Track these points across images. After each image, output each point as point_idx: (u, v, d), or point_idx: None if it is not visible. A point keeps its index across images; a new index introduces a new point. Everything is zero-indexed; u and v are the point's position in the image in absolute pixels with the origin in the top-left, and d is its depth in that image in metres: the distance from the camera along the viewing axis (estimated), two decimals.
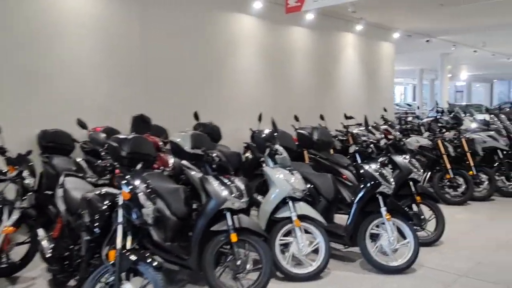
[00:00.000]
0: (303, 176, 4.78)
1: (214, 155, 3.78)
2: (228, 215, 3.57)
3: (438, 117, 12.19)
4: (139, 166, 3.41)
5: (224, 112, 8.64)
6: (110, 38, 6.94)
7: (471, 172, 7.24)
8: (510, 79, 43.30)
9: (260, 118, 7.55)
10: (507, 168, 7.56)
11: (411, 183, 5.09)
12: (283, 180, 4.09)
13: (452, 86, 47.16)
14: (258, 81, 9.50)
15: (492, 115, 9.23)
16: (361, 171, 4.39)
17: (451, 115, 12.53)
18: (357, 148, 4.66)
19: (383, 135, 9.35)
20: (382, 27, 13.01)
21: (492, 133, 7.79)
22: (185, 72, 8.01)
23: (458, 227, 5.71)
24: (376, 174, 4.32)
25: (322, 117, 8.41)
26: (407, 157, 5.26)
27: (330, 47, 11.44)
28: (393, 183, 4.38)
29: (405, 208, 5.11)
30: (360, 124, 9.68)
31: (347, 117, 9.13)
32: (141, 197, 3.04)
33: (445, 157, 7.08)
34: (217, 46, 8.62)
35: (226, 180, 3.72)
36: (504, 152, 7.72)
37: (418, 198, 5.01)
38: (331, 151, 7.98)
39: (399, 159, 5.19)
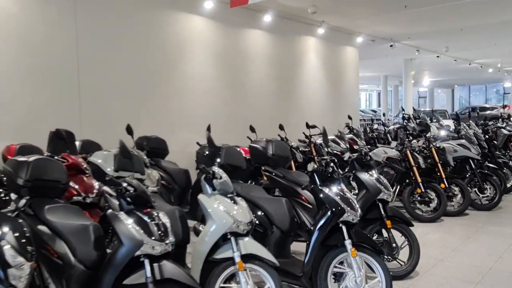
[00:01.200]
0: (252, 202, 3.98)
1: (125, 184, 2.90)
2: (147, 263, 2.71)
3: (404, 124, 11.74)
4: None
5: (172, 124, 7.77)
6: (33, 43, 5.96)
7: (442, 185, 6.64)
8: (470, 84, 44.17)
9: (208, 129, 6.69)
10: (480, 179, 7.00)
11: (380, 204, 4.36)
12: (223, 211, 3.26)
13: (415, 92, 47.89)
14: (212, 89, 8.67)
15: (455, 121, 8.74)
16: (321, 195, 3.61)
17: (418, 122, 12.15)
18: (315, 167, 3.88)
19: (347, 146, 8.74)
20: (345, 31, 12.46)
21: (463, 141, 7.23)
22: (126, 80, 7.10)
23: (433, 252, 5.03)
24: (338, 198, 3.55)
25: (281, 127, 7.65)
26: (374, 173, 4.54)
27: (291, 52, 10.76)
28: (359, 209, 3.63)
29: (374, 235, 4.41)
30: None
31: (309, 126, 8.42)
32: (7, 251, 2.14)
33: (415, 169, 6.45)
34: (164, 50, 7.76)
35: (145, 217, 2.86)
36: (476, 162, 7.19)
37: (388, 222, 4.29)
38: (292, 164, 7.27)
39: (366, 177, 4.46)
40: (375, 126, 11.50)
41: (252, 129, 7.08)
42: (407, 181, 6.60)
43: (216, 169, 3.46)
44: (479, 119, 12.19)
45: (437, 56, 18.48)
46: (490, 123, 10.87)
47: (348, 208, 3.53)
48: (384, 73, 28.90)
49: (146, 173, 4.58)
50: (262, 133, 7.08)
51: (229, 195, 3.45)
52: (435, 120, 12.88)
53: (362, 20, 11.53)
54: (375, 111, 35.75)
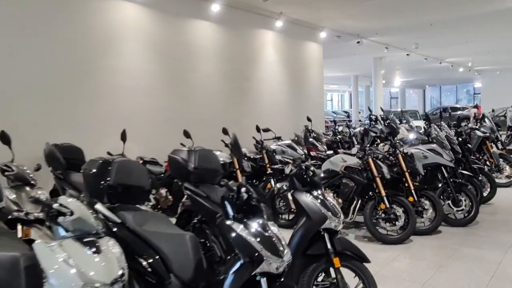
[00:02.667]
0: (144, 239, 2.84)
1: None
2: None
3: (371, 126, 10.80)
4: None
5: (97, 129, 6.54)
6: None
7: (411, 198, 5.63)
8: (441, 85, 44.11)
9: (123, 137, 5.52)
10: (454, 190, 6.03)
11: (326, 236, 3.27)
12: (66, 268, 2.09)
13: (387, 92, 47.60)
14: (148, 87, 7.48)
15: (426, 122, 7.78)
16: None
17: (386, 123, 11.22)
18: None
19: (305, 151, 7.71)
20: (307, 24, 11.44)
21: (434, 145, 6.24)
22: (35, 77, 5.85)
23: None
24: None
25: (225, 131, 6.53)
26: (320, 194, 3.45)
27: (245, 46, 9.66)
28: (342, 215, 3.31)
29: (319, 275, 3.31)
30: (278, 138, 7.94)
31: (261, 130, 7.34)
32: None
33: (378, 180, 5.41)
34: (89, 42, 6.54)
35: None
36: (449, 169, 6.22)
37: (336, 260, 3.19)
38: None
39: (307, 199, 3.36)
40: (340, 128, 10.49)
41: (186, 134, 5.92)
42: (370, 194, 5.56)
43: (64, 200, 2.28)
44: (451, 119, 11.35)
45: (407, 54, 17.74)
46: (463, 124, 10.03)
47: (330, 214, 3.25)
48: (354, 73, 28.20)
49: None
50: (209, 139, 6.01)
51: (88, 238, 2.28)
52: (404, 121, 11.98)
53: (325, 12, 10.53)
54: (346, 112, 35.09)
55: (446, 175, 6.10)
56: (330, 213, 3.27)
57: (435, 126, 6.66)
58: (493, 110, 11.35)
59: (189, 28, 8.30)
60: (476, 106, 23.53)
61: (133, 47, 7.27)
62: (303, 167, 3.48)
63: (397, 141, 6.29)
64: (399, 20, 11.82)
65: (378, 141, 9.91)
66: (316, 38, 11.97)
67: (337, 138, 9.12)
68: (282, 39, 10.71)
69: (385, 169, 5.52)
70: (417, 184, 6.08)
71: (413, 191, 5.68)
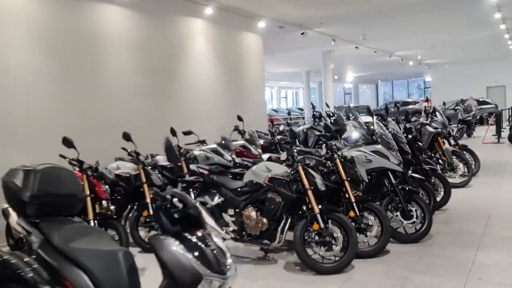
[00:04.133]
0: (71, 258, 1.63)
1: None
2: None
3: (315, 124, 9.82)
4: None
5: None
6: None
7: (352, 214, 4.59)
8: (393, 79, 44.32)
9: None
10: (403, 199, 5.03)
11: None
12: None
13: (341, 88, 47.45)
14: (36, 85, 6.09)
15: (379, 118, 6.81)
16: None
17: (333, 120, 10.26)
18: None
19: (233, 157, 6.54)
20: (242, 13, 10.29)
21: (379, 147, 5.22)
22: None
23: None
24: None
25: (127, 137, 5.28)
26: (199, 237, 2.26)
27: (169, 36, 8.39)
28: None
29: None
30: (202, 142, 6.75)
31: (175, 133, 6.12)
32: None
33: (310, 193, 4.32)
34: None
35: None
36: (397, 174, 5.24)
37: None
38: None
39: (173, 249, 2.18)
40: (281, 127, 9.43)
41: (66, 142, 4.60)
42: (302, 210, 4.45)
43: None
44: (401, 114, 10.54)
45: (356, 47, 17.00)
46: (413, 119, 9.20)
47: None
48: (305, 69, 27.40)
49: None
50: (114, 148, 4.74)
51: None
52: (352, 118, 11.09)
53: None
54: (302, 109, 34.29)
55: (393, 181, 5.11)
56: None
57: (380, 124, 5.66)
58: (444, 103, 10.63)
59: (92, 13, 6.94)
60: (427, 100, 23.28)
61: (14, 36, 5.85)
62: (174, 197, 2.31)
63: (334, 143, 5.22)
64: (343, 8, 10.89)
65: (325, 140, 8.95)
66: (254, 28, 10.85)
67: (276, 139, 8.02)
68: (214, 28, 9.52)
69: (318, 179, 4.43)
70: (359, 194, 5.08)
71: (354, 203, 4.64)
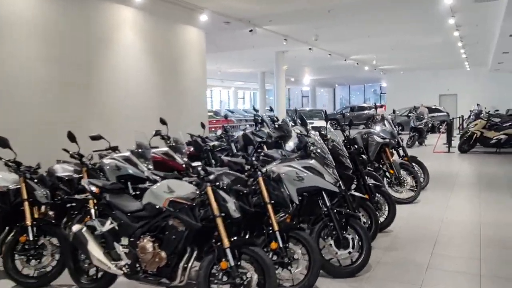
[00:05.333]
0: None
1: None
2: None
3: (257, 129, 8.98)
4: None
5: None
6: None
7: (274, 245, 3.76)
8: (350, 84, 44.47)
9: None
10: (338, 226, 4.25)
11: None
12: None
13: (299, 91, 47.19)
14: None
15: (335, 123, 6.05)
16: None
17: (277, 125, 9.47)
18: None
19: (151, 167, 5.60)
20: (181, 3, 9.32)
21: (312, 162, 4.41)
22: None
23: None
24: None
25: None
26: None
27: (87, 25, 7.30)
28: None
29: None
30: (114, 148, 5.75)
31: (73, 140, 5.08)
32: None
33: (219, 222, 3.43)
34: None
35: None
36: (333, 196, 4.45)
37: None
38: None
39: None
40: (218, 131, 8.53)
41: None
42: (209, 243, 3.56)
43: None
44: (356, 119, 9.89)
45: (310, 49, 16.37)
46: (361, 127, 8.56)
47: None
48: (261, 69, 26.66)
49: None
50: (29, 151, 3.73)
51: None
52: (299, 124, 10.34)
53: None
54: (257, 111, 33.49)
55: (328, 203, 4.31)
56: None
57: (315, 134, 4.87)
58: (394, 111, 10.06)
59: None
60: (381, 106, 23.01)
61: None
62: None
63: (251, 155, 4.38)
64: (292, 4, 10.13)
65: (265, 148, 8.15)
66: (195, 21, 9.90)
67: (208, 146, 7.11)
68: (146, 19, 8.50)
69: (231, 204, 3.54)
70: (288, 219, 4.27)
71: (277, 232, 3.80)
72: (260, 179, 3.94)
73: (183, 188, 3.66)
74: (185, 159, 6.11)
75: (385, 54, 20.33)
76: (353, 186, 5.57)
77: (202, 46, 10.37)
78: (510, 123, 13.22)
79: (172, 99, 9.12)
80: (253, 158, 4.51)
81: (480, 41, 16.28)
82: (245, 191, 3.92)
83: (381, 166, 7.38)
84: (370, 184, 5.67)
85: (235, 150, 8.14)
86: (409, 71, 29.41)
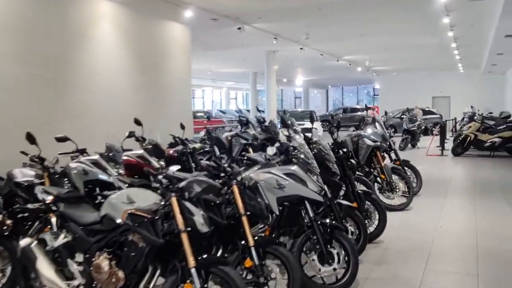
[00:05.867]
0: None
1: None
2: None
3: (242, 130, 8.59)
4: None
5: None
6: None
7: (248, 263, 3.34)
8: (343, 85, 44.17)
9: None
10: (322, 240, 3.83)
11: None
12: None
13: (292, 91, 46.81)
14: None
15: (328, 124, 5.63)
16: None
17: (264, 127, 9.11)
18: None
19: (122, 172, 5.19)
20: None
21: (294, 168, 3.99)
22: None
23: None
24: None
25: (30, 139, 3.97)
26: None
27: (62, 19, 6.85)
28: None
29: None
30: (82, 151, 5.30)
31: (56, 139, 4.66)
32: None
33: (184, 237, 2.99)
34: None
35: None
36: (318, 205, 4.04)
37: None
38: None
39: None
40: (201, 133, 8.11)
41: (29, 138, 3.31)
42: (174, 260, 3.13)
43: None
44: (349, 121, 9.47)
45: (301, 48, 15.97)
46: (351, 129, 8.16)
47: None
48: (252, 70, 26.23)
49: None
50: None
51: None
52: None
53: None
54: (248, 111, 33.08)
55: (311, 214, 3.90)
56: None
57: (299, 137, 4.47)
58: (386, 113, 9.66)
59: None
60: (370, 108, 22.60)
61: None
62: None
63: (223, 162, 3.96)
64: (281, 1, 9.72)
65: (251, 150, 7.74)
66: (179, 17, 9.46)
67: (188, 148, 6.67)
68: (126, 14, 8.05)
69: (199, 217, 3.11)
70: (267, 231, 3.86)
71: (252, 248, 3.38)
72: (235, 188, 3.53)
73: (145, 199, 3.22)
74: (162, 163, 5.70)
75: (378, 54, 19.99)
76: (342, 192, 5.21)
77: (187, 43, 9.94)
78: (504, 126, 12.91)
79: (153, 97, 8.68)
80: (233, 164, 4.10)
81: (475, 42, 15.97)
82: (217, 201, 3.48)
83: (371, 170, 7.00)
84: (359, 191, 5.27)
85: (218, 153, 7.75)
86: (402, 72, 29.14)
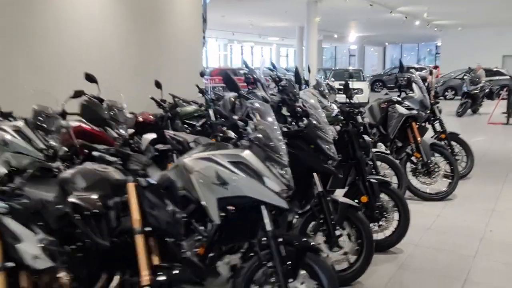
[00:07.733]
0: None
1: None
2: None
3: (249, 90, 7.20)
4: None
5: None
6: None
7: None
8: (402, 43, 40.77)
9: None
10: (282, 273, 2.43)
11: None
12: None
13: (347, 49, 44.02)
14: None
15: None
16: None
17: (280, 87, 7.71)
18: None
19: (55, 144, 3.99)
20: None
21: (245, 154, 2.54)
22: None
23: None
24: None
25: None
26: None
27: None
28: None
29: None
30: (7, 115, 4.16)
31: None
32: None
33: None
34: None
35: None
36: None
37: None
38: None
39: None
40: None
41: None
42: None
43: None
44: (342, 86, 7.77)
45: None
46: (383, 92, 6.49)
47: None
48: (299, 24, 24.18)
49: None
50: None
51: None
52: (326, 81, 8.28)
53: None
54: (288, 70, 31.28)
55: (269, 226, 2.49)
56: None
57: (253, 107, 3.03)
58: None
59: None
60: (435, 67, 20.11)
61: None
62: None
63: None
64: None
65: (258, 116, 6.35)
66: None
67: (168, 113, 5.38)
68: None
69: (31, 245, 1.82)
70: (199, 250, 2.53)
71: None
72: (131, 187, 2.18)
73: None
74: (123, 132, 4.47)
75: (439, 6, 17.40)
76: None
77: None
78: None
79: (151, 53, 7.40)
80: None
81: None
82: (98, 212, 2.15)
83: (406, 144, 5.42)
84: (373, 180, 3.77)
85: (213, 118, 6.41)
86: (468, 27, 25.89)
